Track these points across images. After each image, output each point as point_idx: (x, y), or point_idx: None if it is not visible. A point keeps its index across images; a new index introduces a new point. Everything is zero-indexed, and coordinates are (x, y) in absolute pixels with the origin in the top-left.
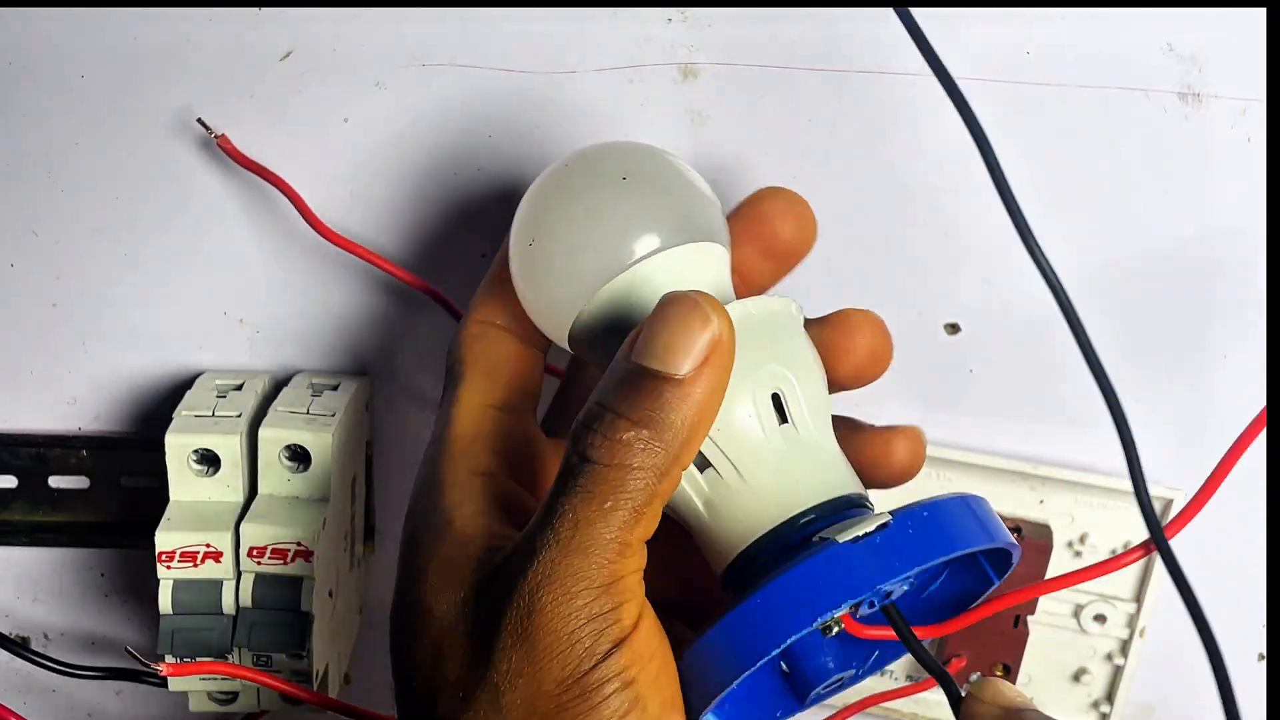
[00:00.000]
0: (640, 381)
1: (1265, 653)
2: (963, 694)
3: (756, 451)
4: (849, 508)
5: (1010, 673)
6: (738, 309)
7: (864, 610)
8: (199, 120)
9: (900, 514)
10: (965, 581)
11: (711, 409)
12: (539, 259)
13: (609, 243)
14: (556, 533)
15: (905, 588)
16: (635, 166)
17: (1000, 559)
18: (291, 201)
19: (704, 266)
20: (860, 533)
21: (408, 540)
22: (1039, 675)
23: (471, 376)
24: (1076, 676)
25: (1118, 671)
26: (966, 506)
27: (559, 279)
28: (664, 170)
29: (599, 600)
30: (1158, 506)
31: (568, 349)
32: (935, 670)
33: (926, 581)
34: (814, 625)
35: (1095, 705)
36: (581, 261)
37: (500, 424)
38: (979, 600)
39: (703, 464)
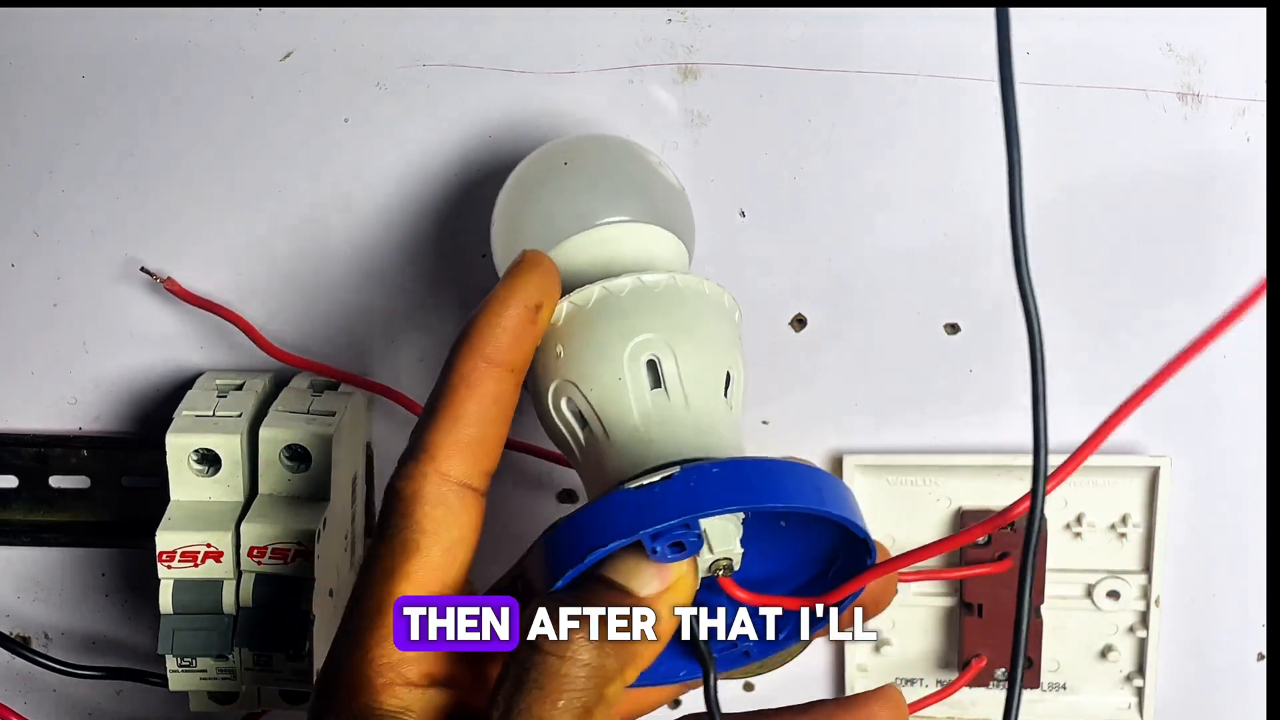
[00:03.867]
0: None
1: (1265, 653)
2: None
3: (621, 413)
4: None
5: (1033, 664)
6: (630, 280)
7: (668, 554)
8: (142, 269)
9: (690, 467)
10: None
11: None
12: (494, 227)
13: (539, 218)
14: None
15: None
16: (580, 155)
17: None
18: (242, 330)
19: (627, 243)
20: (645, 482)
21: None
22: (1066, 660)
23: (428, 551)
24: (1104, 654)
25: (1142, 644)
26: (777, 470)
27: (499, 246)
28: (607, 160)
29: None
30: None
31: None
32: (702, 653)
33: (826, 558)
34: (584, 564)
35: (1129, 679)
36: (520, 232)
37: None
38: (856, 575)
39: (581, 421)
